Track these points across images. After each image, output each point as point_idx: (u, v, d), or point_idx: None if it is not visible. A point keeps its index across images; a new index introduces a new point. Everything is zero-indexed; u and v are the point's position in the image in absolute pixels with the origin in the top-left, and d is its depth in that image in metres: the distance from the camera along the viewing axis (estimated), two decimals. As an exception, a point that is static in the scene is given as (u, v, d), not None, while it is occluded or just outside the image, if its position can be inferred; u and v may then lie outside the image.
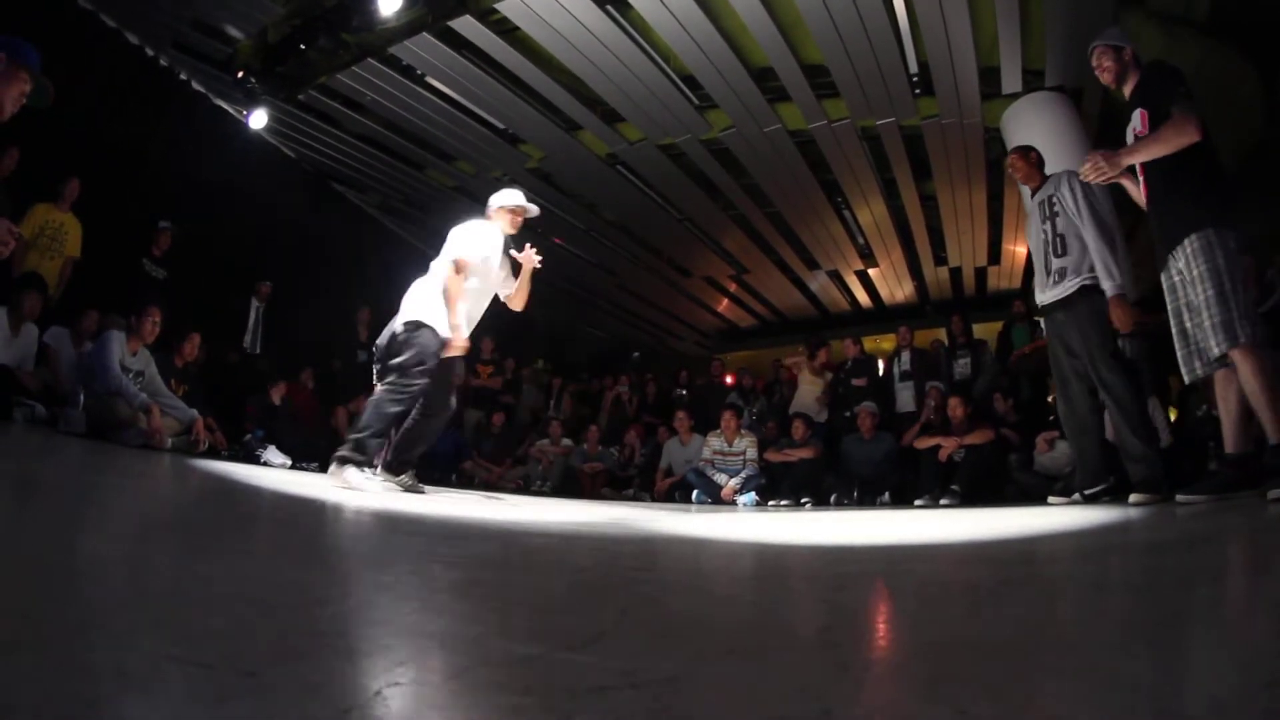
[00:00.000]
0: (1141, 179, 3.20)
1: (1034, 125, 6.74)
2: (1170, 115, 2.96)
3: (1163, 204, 3.08)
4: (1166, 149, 2.95)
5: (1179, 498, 3.05)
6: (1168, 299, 3.11)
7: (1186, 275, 2.95)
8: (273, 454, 5.75)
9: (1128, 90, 3.30)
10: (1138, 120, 3.18)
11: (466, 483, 7.12)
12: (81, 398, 4.70)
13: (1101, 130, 7.14)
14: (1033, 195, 4.18)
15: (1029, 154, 4.24)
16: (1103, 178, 3.10)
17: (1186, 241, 2.92)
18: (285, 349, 8.04)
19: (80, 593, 0.88)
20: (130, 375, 4.85)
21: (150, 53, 7.41)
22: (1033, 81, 7.07)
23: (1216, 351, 2.82)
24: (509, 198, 4.39)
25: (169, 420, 4.93)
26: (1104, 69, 3.33)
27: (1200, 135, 2.92)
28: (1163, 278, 3.13)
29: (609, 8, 6.40)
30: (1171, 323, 3.09)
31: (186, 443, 5.01)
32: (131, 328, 5.05)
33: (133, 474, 3.05)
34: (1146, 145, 3.03)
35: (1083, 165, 3.15)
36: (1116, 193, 3.58)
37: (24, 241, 5.14)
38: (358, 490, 3.53)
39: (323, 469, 5.95)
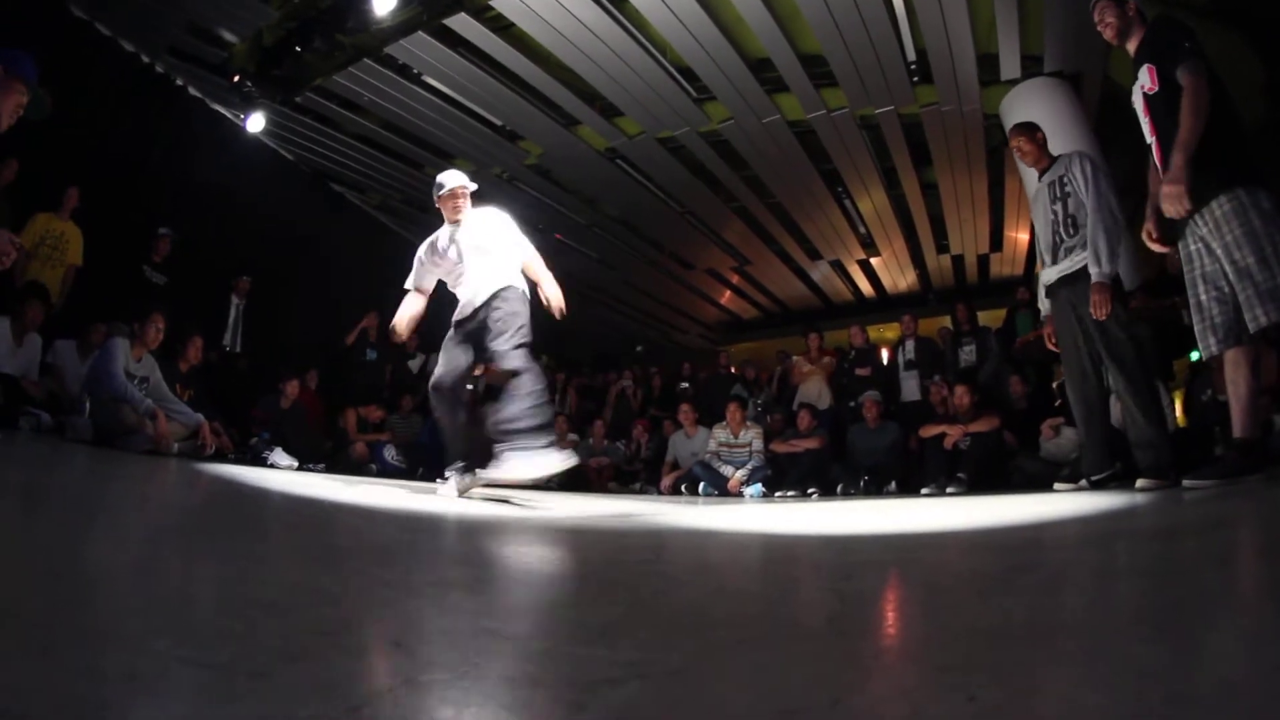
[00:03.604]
0: (1154, 140, 3.03)
1: (1033, 111, 6.65)
2: (1179, 79, 2.79)
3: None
4: (1201, 121, 2.73)
5: (1185, 483, 2.97)
6: (1185, 269, 2.97)
7: (1214, 242, 2.79)
8: (279, 456, 5.76)
9: (1132, 46, 3.14)
10: (1145, 77, 3.01)
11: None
12: (87, 405, 4.71)
13: (1101, 115, 7.12)
14: (1040, 177, 4.02)
15: (1035, 134, 4.04)
16: (1185, 206, 2.79)
17: (1215, 204, 2.76)
18: (286, 349, 8.05)
19: (91, 597, 0.88)
20: (135, 381, 4.86)
21: (146, 59, 7.39)
22: (1031, 67, 7.04)
23: (1264, 321, 2.65)
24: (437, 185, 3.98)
25: (174, 425, 4.93)
26: (1106, 24, 3.15)
27: (1210, 91, 2.76)
28: (1180, 246, 2.98)
29: (604, 2, 6.39)
30: (1189, 294, 2.95)
31: (193, 447, 5.02)
32: (135, 334, 5.06)
33: (140, 479, 3.05)
34: (1186, 137, 2.75)
35: (1166, 204, 2.84)
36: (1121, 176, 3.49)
37: (25, 251, 5.14)
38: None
39: (329, 470, 5.98)
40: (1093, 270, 3.53)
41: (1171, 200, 2.78)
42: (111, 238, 6.35)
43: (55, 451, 3.73)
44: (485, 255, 3.85)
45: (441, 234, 3.99)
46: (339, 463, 6.71)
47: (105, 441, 4.55)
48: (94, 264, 6.02)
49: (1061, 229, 3.80)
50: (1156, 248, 3.15)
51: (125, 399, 4.67)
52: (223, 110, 8.16)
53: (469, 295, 3.81)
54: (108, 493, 2.42)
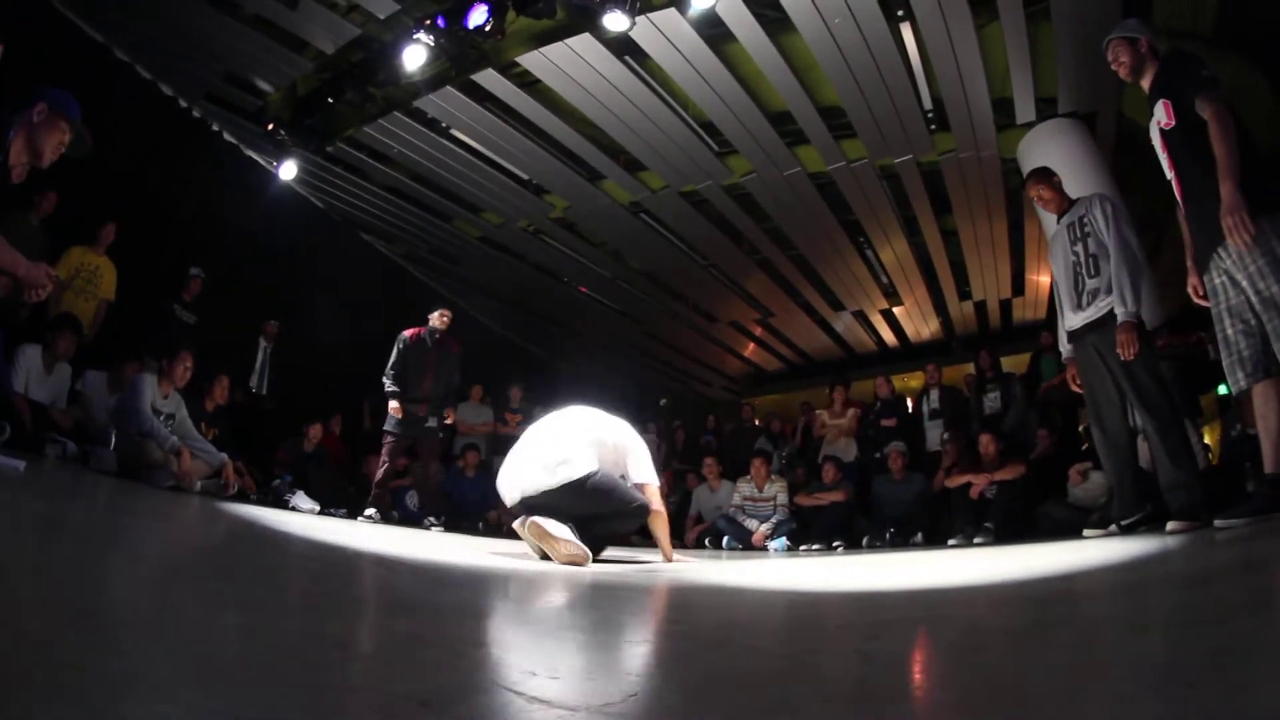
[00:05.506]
0: (1173, 175, 3.02)
1: (1050, 153, 6.68)
2: (1200, 110, 2.79)
3: (1202, 198, 2.86)
4: (1232, 144, 2.71)
5: (1217, 522, 2.88)
6: (1210, 303, 2.93)
7: (1238, 274, 2.74)
8: (301, 499, 5.77)
9: (1146, 82, 3.15)
10: (1161, 112, 3.01)
11: (494, 531, 7.08)
12: (113, 438, 4.76)
13: (1117, 152, 7.13)
14: (1059, 220, 4.02)
15: (1052, 178, 4.06)
16: (1249, 231, 2.64)
17: None
18: (311, 394, 8.12)
19: (119, 639, 0.89)
20: (161, 418, 4.90)
21: (184, 104, 7.67)
22: (1046, 110, 7.09)
23: None
24: None
25: (199, 463, 4.96)
26: (1120, 63, 3.19)
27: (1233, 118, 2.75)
28: (1204, 280, 2.96)
29: (627, 59, 6.55)
30: (1215, 329, 2.91)
31: (215, 485, 5.05)
32: (163, 371, 5.13)
33: (164, 516, 3.07)
34: (1226, 163, 2.70)
35: (1230, 236, 2.69)
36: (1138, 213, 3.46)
37: (60, 283, 5.26)
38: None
39: (351, 515, 5.97)
40: (1118, 310, 3.52)
41: (1234, 231, 2.66)
42: (144, 275, 6.49)
43: (80, 482, 3.75)
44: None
45: None
46: (361, 508, 6.70)
47: (129, 475, 4.58)
48: (126, 299, 6.14)
49: (1083, 270, 3.79)
50: (1203, 303, 3.04)
51: (151, 435, 4.71)
52: (256, 156, 8.42)
53: None
54: (133, 528, 2.43)
